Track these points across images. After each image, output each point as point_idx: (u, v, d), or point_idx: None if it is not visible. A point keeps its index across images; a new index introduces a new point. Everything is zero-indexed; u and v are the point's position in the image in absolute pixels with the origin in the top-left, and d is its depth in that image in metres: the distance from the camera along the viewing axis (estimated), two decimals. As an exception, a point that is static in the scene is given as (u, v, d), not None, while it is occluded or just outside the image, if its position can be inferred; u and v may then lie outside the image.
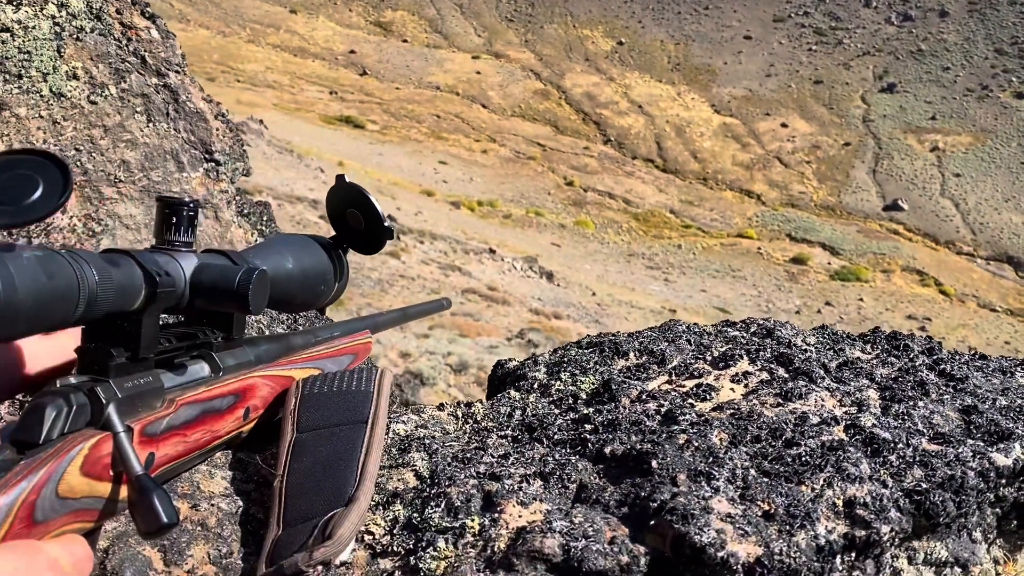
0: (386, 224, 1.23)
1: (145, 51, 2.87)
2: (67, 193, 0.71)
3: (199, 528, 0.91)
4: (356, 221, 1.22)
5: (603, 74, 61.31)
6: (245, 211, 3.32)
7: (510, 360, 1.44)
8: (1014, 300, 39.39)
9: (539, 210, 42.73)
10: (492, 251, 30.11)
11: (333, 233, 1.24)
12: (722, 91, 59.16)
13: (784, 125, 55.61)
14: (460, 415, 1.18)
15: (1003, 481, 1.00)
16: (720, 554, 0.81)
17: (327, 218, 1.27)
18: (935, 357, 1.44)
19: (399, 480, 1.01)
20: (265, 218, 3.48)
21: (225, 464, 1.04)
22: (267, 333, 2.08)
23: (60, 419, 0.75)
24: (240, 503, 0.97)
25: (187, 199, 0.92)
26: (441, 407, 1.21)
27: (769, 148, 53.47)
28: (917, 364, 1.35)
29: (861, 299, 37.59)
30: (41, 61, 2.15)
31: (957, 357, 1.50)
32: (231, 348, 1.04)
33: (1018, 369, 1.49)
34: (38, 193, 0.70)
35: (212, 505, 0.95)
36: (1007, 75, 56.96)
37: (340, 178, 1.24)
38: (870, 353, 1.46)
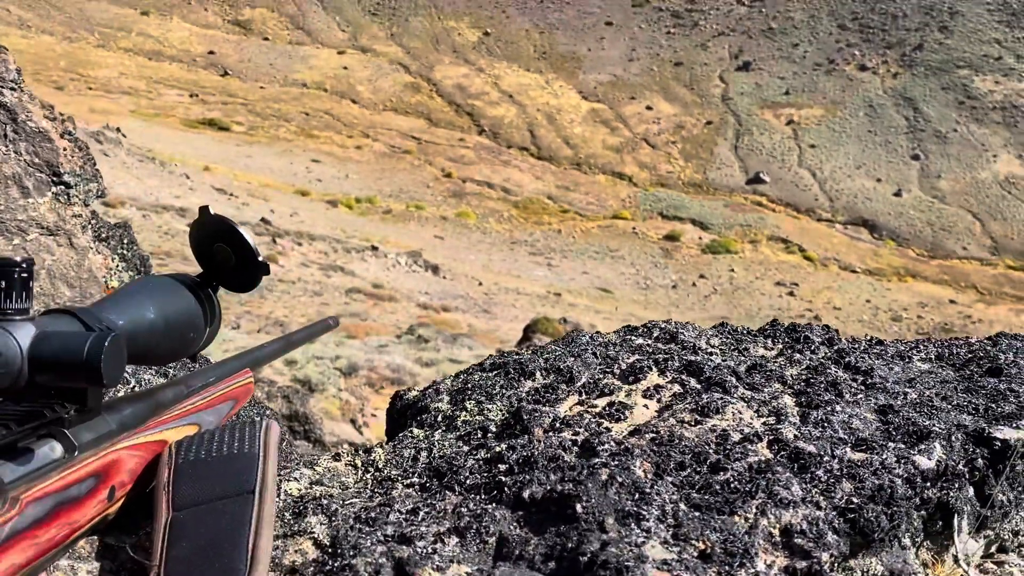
0: (260, 259, 1.10)
1: (-28, 68, 2.58)
2: None
3: (62, 642, 0.78)
4: (225, 257, 1.08)
5: (472, 65, 61.23)
6: (103, 235, 3.05)
7: (409, 390, 1.34)
8: (871, 260, 41.83)
9: (419, 203, 42.35)
10: (374, 248, 29.67)
11: (200, 271, 1.11)
12: (588, 77, 60.14)
13: (649, 108, 57.04)
14: (359, 464, 1.07)
15: (927, 484, 0.97)
16: (662, 610, 0.74)
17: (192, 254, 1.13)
18: (837, 348, 1.43)
19: (296, 552, 0.89)
20: (126, 240, 3.22)
21: (91, 555, 0.90)
22: (131, 387, 1.89)
23: None
24: (112, 602, 0.84)
25: (18, 258, 0.77)
26: (337, 456, 1.09)
27: (636, 131, 54.75)
28: (824, 359, 1.33)
29: (732, 269, 39.09)
30: None
31: (857, 345, 1.50)
32: (87, 420, 0.89)
33: (914, 352, 1.50)
34: None
35: (77, 610, 0.81)
36: (850, 49, 60.22)
37: (204, 210, 1.10)
38: (773, 349, 1.43)
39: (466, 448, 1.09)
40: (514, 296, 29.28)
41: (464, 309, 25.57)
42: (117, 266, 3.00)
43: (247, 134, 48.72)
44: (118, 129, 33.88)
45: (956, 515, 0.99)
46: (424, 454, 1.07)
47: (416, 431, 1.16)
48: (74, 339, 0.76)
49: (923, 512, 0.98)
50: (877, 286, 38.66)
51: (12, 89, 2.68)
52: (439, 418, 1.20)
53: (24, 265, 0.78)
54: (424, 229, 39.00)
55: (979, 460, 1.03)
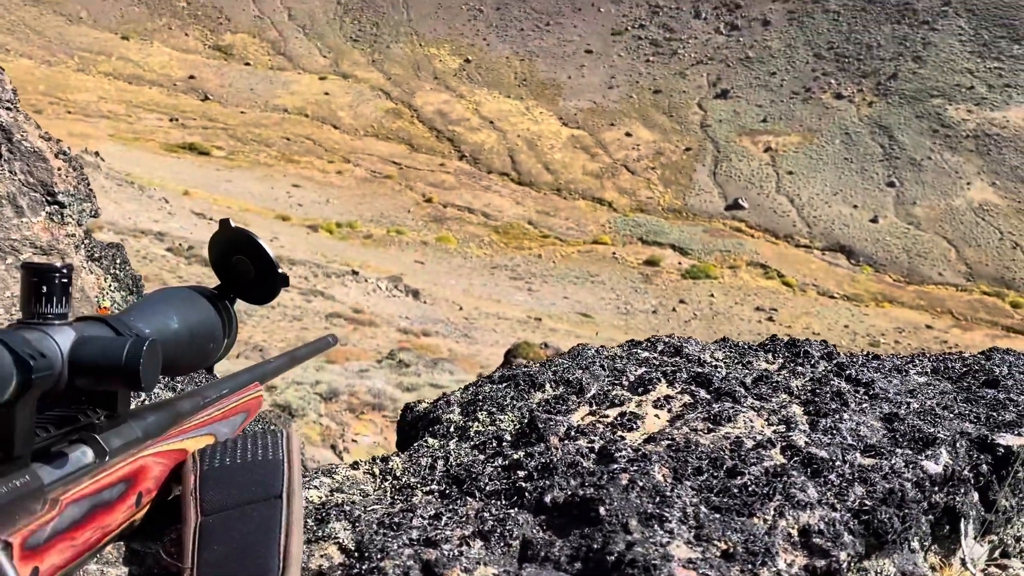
0: (280, 270, 1.12)
1: (-31, 87, 2.59)
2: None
3: (96, 645, 0.78)
4: (245, 269, 1.10)
5: (453, 91, 61.61)
6: (96, 255, 3.05)
7: (419, 402, 1.36)
8: (848, 286, 42.25)
9: (400, 228, 42.37)
10: (355, 273, 29.61)
11: (218, 283, 1.12)
12: (568, 104, 60.67)
13: (628, 134, 57.57)
14: (377, 472, 1.08)
15: (935, 488, 1.00)
16: (690, 606, 0.76)
17: (209, 265, 1.15)
18: (836, 362, 1.46)
19: (322, 556, 0.90)
20: (119, 261, 3.21)
21: (118, 559, 0.90)
22: (142, 400, 1.90)
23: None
24: (141, 606, 0.84)
25: (58, 264, 0.79)
26: (355, 465, 1.11)
27: (616, 157, 55.21)
28: (826, 372, 1.36)
29: (712, 295, 39.34)
30: None
31: (855, 360, 1.53)
32: (115, 426, 0.90)
33: (910, 366, 1.54)
34: None
35: (108, 613, 0.82)
36: (826, 78, 61.23)
37: (224, 223, 1.12)
38: (775, 363, 1.47)
39: (482, 456, 1.10)
40: (494, 321, 29.28)
41: (445, 334, 25.52)
42: (109, 286, 3.00)
43: (227, 159, 48.65)
44: (96, 153, 33.74)
45: (963, 519, 1.02)
46: (441, 462, 1.09)
47: (431, 441, 1.18)
48: (113, 344, 0.78)
49: (931, 516, 1.01)
50: (855, 311, 39.04)
51: (8, 109, 2.69)
52: (452, 428, 1.22)
53: (64, 271, 0.79)
54: (405, 254, 39.00)
55: (983, 466, 1.07)
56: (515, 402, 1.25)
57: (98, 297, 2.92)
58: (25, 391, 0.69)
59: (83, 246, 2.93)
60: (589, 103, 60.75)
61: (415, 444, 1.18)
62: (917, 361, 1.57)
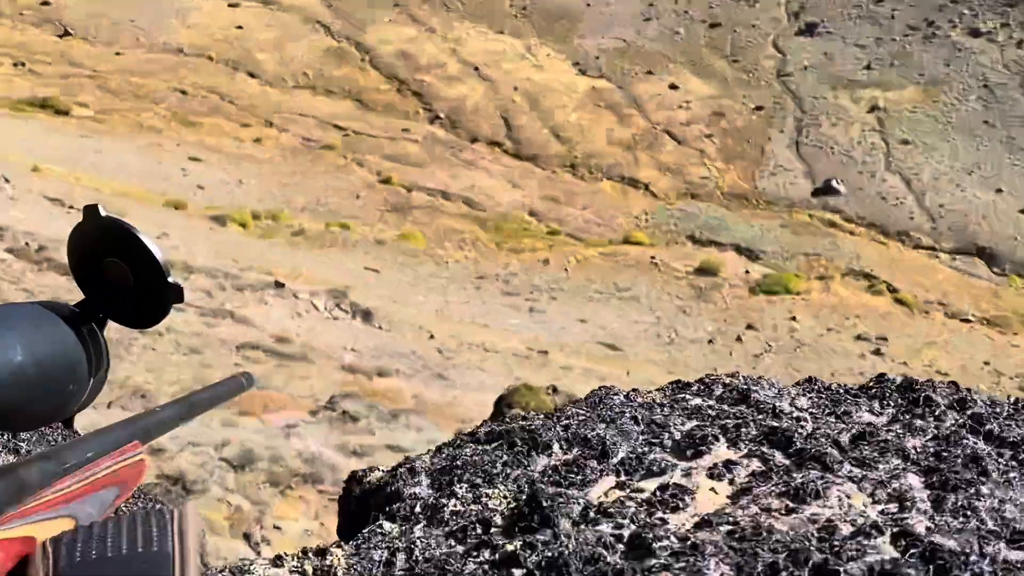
0: (171, 280, 1.13)
1: None
2: None
3: None
4: (120, 277, 1.11)
5: (421, 24, 61.88)
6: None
7: (372, 470, 1.36)
8: (989, 304, 42.40)
9: (344, 221, 42.48)
10: (279, 284, 29.67)
11: (81, 297, 1.13)
12: (587, 43, 61.00)
13: (673, 87, 57.88)
14: (311, 571, 1.09)
15: (1114, 594, 1.01)
16: None
17: (68, 272, 1.16)
18: (971, 412, 1.47)
19: None
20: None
21: None
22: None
23: None
24: None
25: None
26: (278, 561, 1.11)
27: (656, 119, 55.48)
28: (956, 427, 1.37)
29: (794, 318, 39.40)
30: None
31: (998, 410, 1.54)
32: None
33: (1077, 419, 1.55)
34: None
35: None
36: (957, 6, 61.78)
37: (91, 210, 1.13)
38: (883, 414, 1.47)
39: (461, 548, 1.11)
40: (481, 354, 29.31)
41: (408, 373, 25.53)
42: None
43: (96, 120, 48.76)
44: (-92, 111, 33.82)
45: None
46: (402, 556, 1.09)
47: (387, 526, 1.18)
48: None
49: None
50: (999, 341, 39.14)
51: None
52: (417, 508, 1.22)
53: None
54: (351, 258, 39.09)
55: None
56: (509, 470, 1.25)
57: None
58: None
59: None
60: (617, 42, 61.06)
61: (365, 531, 1.19)
62: (1088, 412, 1.58)
